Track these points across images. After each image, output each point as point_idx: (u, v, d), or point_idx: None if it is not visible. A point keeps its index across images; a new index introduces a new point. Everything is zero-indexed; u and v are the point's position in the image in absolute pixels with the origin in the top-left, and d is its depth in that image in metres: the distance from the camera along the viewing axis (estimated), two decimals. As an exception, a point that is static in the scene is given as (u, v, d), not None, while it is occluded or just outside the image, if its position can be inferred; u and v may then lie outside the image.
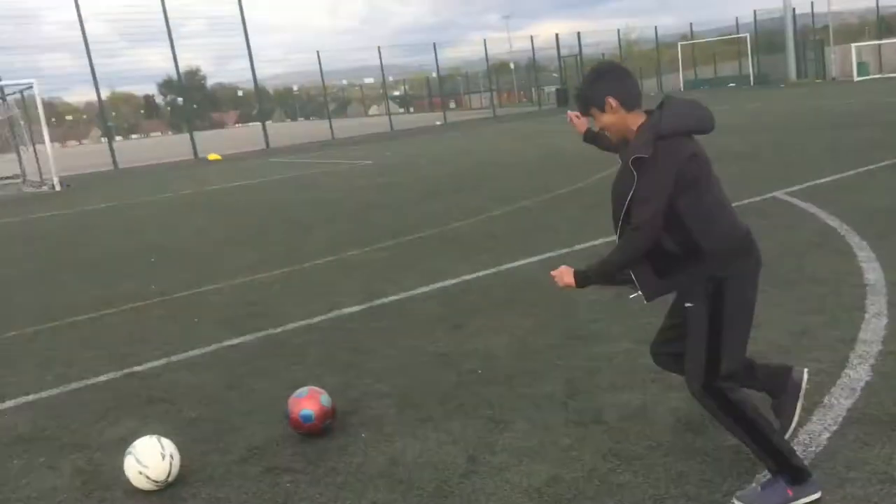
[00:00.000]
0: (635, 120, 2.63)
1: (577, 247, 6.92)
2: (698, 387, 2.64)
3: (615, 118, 2.64)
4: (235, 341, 5.21)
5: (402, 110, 73.77)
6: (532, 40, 40.52)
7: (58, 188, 19.50)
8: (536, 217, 8.68)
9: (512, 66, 48.25)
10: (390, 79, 42.08)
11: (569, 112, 3.18)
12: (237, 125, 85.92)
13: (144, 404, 4.23)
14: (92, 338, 5.68)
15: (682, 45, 44.73)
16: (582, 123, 3.20)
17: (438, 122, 35.81)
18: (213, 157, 26.62)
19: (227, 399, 4.18)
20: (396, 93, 68.90)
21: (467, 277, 6.28)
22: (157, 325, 5.87)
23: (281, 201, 12.71)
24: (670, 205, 2.52)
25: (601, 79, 2.66)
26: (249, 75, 31.86)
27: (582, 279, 2.75)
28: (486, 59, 39.42)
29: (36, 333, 5.95)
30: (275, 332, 5.36)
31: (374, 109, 77.43)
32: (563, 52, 42.67)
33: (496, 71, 57.96)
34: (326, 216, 10.48)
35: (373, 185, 13.72)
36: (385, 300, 5.87)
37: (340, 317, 5.55)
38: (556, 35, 41.29)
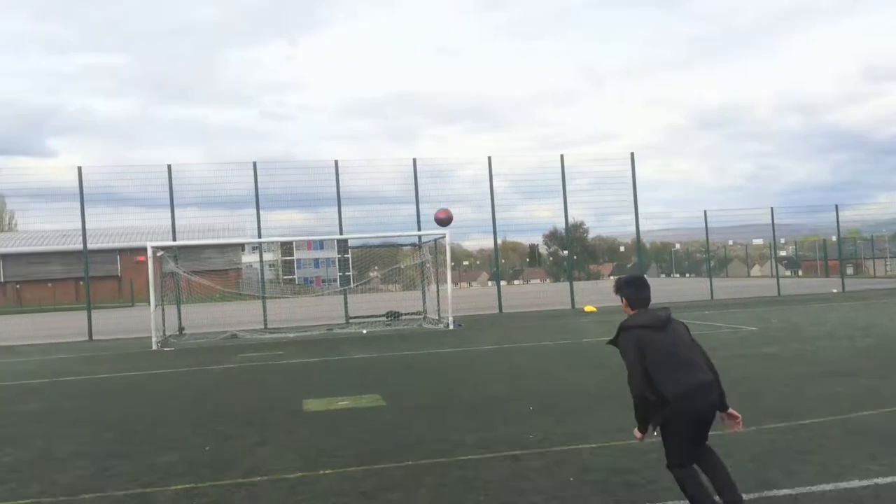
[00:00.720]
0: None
1: None
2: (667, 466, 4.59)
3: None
4: (611, 510, 5.07)
5: (788, 272, 69.07)
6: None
7: (451, 327, 21.67)
8: (971, 417, 7.23)
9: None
10: (781, 240, 39.80)
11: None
12: (611, 277, 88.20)
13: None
14: (475, 479, 6.00)
15: None
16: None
17: (835, 290, 32.59)
18: (588, 308, 27.43)
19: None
20: (783, 253, 64.94)
21: (879, 481, 5.39)
22: (535, 477, 5.99)
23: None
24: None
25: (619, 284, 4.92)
26: (628, 229, 32.72)
27: (640, 427, 4.72)
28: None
29: (429, 467, 6.47)
30: (642, 508, 5.12)
31: (756, 270, 73.65)
32: None
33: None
34: (706, 384, 9.96)
35: (757, 354, 12.80)
36: (777, 492, 5.29)
37: None
38: None
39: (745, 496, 5.24)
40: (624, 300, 4.74)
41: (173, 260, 23.79)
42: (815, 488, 5.32)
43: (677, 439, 4.45)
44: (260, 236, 26.90)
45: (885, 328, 15.92)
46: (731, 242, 50.20)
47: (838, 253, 38.52)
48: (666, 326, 4.50)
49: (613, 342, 4.62)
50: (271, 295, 33.36)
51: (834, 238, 36.00)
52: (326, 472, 6.47)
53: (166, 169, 26.50)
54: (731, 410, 4.72)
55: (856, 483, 5.38)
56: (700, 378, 4.40)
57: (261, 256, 33.58)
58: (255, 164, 27.19)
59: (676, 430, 4.43)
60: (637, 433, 4.71)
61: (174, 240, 26.11)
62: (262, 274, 31.31)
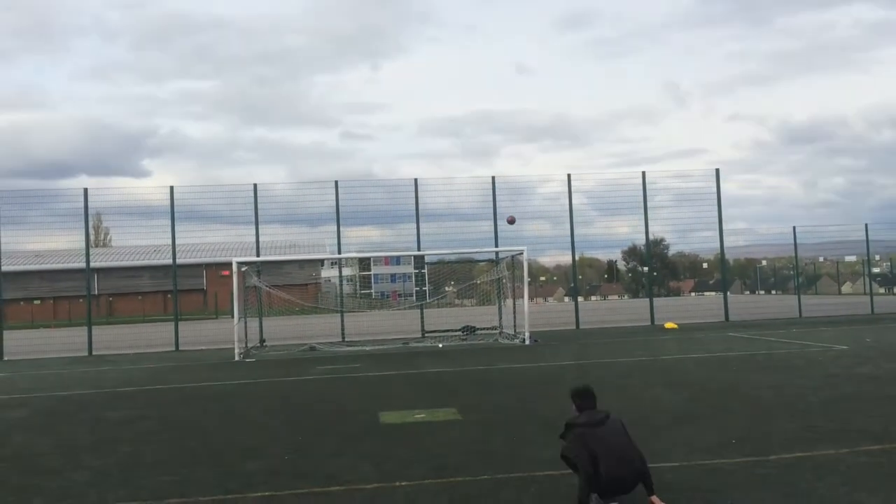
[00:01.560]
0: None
1: None
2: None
3: None
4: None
5: (882, 290, 65.78)
6: None
7: (527, 342, 21.50)
8: None
9: None
10: (876, 257, 38.01)
11: None
12: (692, 293, 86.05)
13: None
14: (550, 494, 5.90)
15: None
16: None
17: (933, 308, 30.85)
18: (669, 325, 26.78)
19: None
20: (877, 270, 62.00)
21: None
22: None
23: (741, 381, 12.03)
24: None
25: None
26: (710, 245, 31.85)
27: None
28: None
29: (505, 481, 6.41)
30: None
31: (847, 287, 70.49)
32: None
33: None
34: (793, 404, 9.57)
35: (850, 374, 12.21)
36: (871, 520, 5.01)
37: (815, 528, 4.88)
38: None
39: (837, 521, 5.00)
40: (574, 406, 5.86)
41: (256, 274, 24.45)
42: (914, 516, 5.02)
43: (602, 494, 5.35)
44: (339, 252, 27.35)
45: None
46: (821, 259, 48.21)
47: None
48: (604, 423, 5.54)
49: (563, 436, 5.67)
50: (349, 309, 33.89)
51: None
52: (402, 483, 6.49)
53: (252, 188, 27.32)
54: (653, 498, 5.41)
55: (960, 511, 5.05)
56: (630, 470, 5.37)
57: (340, 271, 34.20)
58: (336, 182, 27.73)
59: (602, 492, 5.33)
60: None
61: (258, 255, 26.82)
62: (341, 288, 31.75)
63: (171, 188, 27.00)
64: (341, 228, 27.45)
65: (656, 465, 6.62)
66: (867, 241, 31.33)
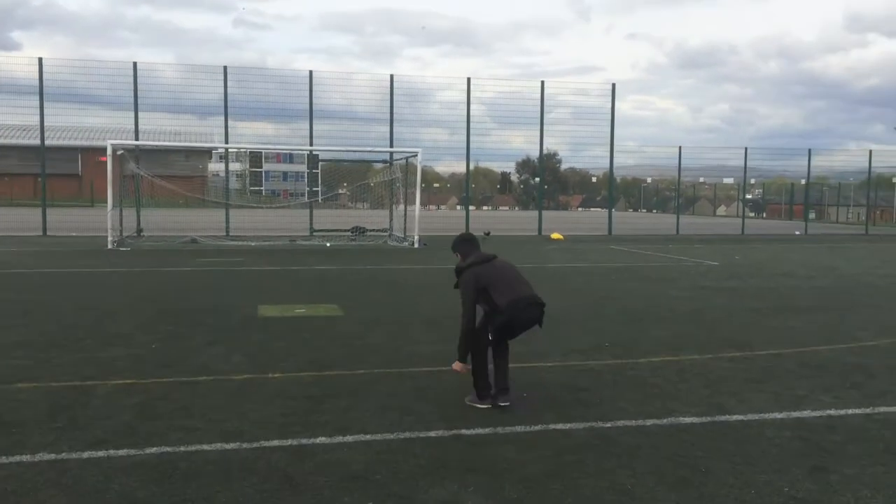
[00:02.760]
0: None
1: (984, 404, 5.59)
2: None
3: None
4: (561, 426, 4.99)
5: (752, 214, 69.82)
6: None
7: (416, 245, 21.48)
8: (923, 357, 7.26)
9: None
10: (752, 181, 39.97)
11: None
12: (580, 209, 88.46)
13: (467, 471, 4.16)
14: (427, 389, 5.87)
15: None
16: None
17: (798, 232, 32.98)
18: (555, 236, 27.41)
19: (549, 487, 3.94)
20: (749, 196, 65.47)
21: (832, 412, 5.38)
22: (488, 391, 5.88)
23: (619, 290, 12.42)
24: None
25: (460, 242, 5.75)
26: (600, 163, 32.57)
27: (460, 358, 5.39)
28: (869, 170, 35.51)
29: (382, 376, 6.34)
30: (604, 426, 5.04)
31: (722, 210, 74.38)
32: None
33: (875, 185, 52.22)
34: (665, 313, 9.96)
35: (719, 287, 12.84)
36: (729, 417, 5.24)
37: (677, 426, 5.06)
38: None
39: (697, 418, 5.21)
40: (460, 255, 5.65)
41: (134, 161, 23.05)
42: (766, 416, 5.29)
43: (496, 335, 5.38)
44: (226, 142, 26.12)
45: (843, 270, 16.09)
46: (701, 180, 50.31)
47: (805, 197, 38.86)
48: (492, 260, 5.52)
49: (457, 285, 5.50)
50: (237, 204, 32.77)
51: (802, 182, 36.24)
52: (276, 375, 6.30)
53: (132, 66, 25.43)
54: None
55: (808, 413, 5.36)
56: (528, 292, 5.39)
57: (226, 163, 32.84)
58: (225, 68, 26.22)
59: (499, 331, 5.35)
60: (456, 365, 5.42)
61: (136, 140, 25.23)
62: (227, 181, 30.54)
63: (40, 60, 24.81)
64: (232, 121, 26.28)
65: (534, 364, 6.73)
66: (745, 165, 32.81)
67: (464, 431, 4.88)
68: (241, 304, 10.11)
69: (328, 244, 22.01)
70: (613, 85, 29.85)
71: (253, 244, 21.33)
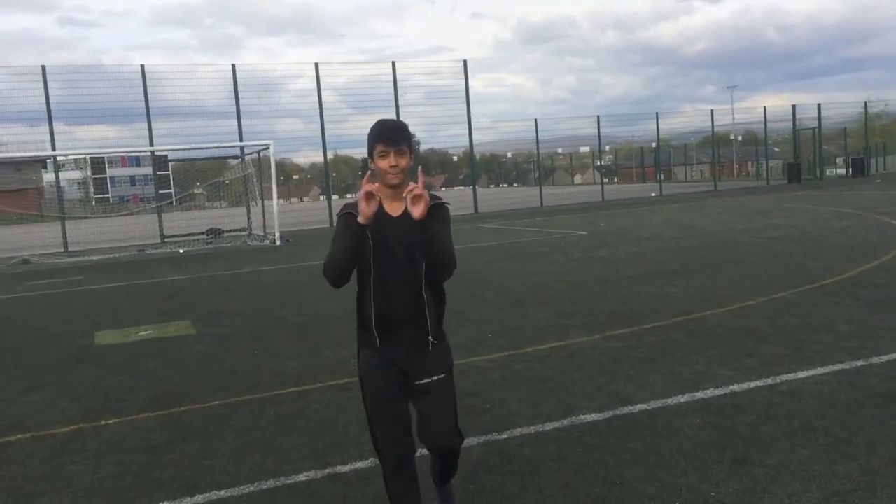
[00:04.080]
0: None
1: (875, 359, 5.42)
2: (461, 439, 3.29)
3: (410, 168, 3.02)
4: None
5: (606, 180, 72.43)
6: (765, 111, 37.70)
7: (279, 243, 20.30)
8: (802, 312, 7.16)
9: (734, 137, 45.46)
10: (606, 147, 41.09)
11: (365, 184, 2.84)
12: (443, 188, 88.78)
13: (346, 527, 3.41)
14: (293, 417, 5.05)
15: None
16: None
17: (653, 194, 34.14)
18: (422, 219, 26.88)
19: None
20: (599, 163, 67.82)
21: (735, 388, 5.01)
22: (358, 408, 5.13)
23: (493, 271, 11.96)
24: None
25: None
26: (459, 141, 32.39)
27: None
28: (713, 129, 37.21)
29: (240, 406, 5.44)
30: (499, 438, 4.42)
31: (577, 178, 76.71)
32: (784, 125, 39.60)
33: (709, 144, 55.19)
34: (543, 292, 9.54)
35: (590, 258, 12.65)
36: (632, 409, 4.76)
37: (579, 426, 4.51)
38: (794, 106, 38.35)
39: (599, 415, 4.69)
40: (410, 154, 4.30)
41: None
42: (670, 401, 4.85)
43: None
44: (54, 149, 23.71)
45: (705, 228, 16.45)
46: (559, 151, 51.39)
47: (656, 160, 40.38)
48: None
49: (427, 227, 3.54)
50: (78, 215, 30.09)
51: (653, 145, 37.57)
52: (110, 421, 5.28)
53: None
54: None
55: (711, 392, 4.96)
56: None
57: (56, 173, 30.05)
58: (43, 67, 23.73)
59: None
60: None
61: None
62: (59, 191, 27.86)
63: None
64: (67, 126, 23.95)
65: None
66: (599, 133, 33.56)
67: (339, 469, 4.12)
68: (75, 333, 8.82)
69: (181, 251, 20.41)
70: (465, 62, 29.58)
71: (95, 258, 19.43)
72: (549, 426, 4.55)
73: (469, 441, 4.33)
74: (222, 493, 3.92)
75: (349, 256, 2.90)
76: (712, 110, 36.41)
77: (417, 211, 2.75)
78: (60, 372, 6.90)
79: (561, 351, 6.39)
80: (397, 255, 2.96)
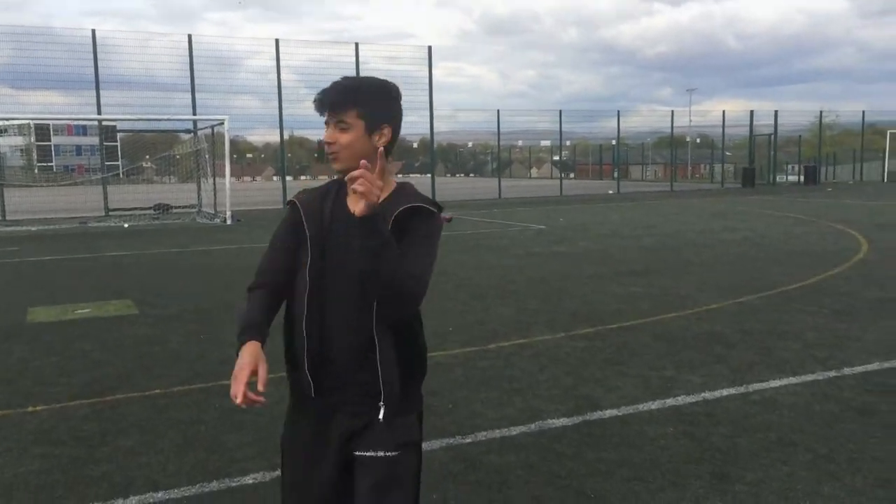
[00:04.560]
0: (390, 169, 2.14)
1: (847, 370, 5.30)
2: None
3: (370, 150, 2.03)
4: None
5: (560, 175, 72.83)
6: (724, 115, 38.06)
7: (229, 222, 19.70)
8: (768, 318, 7.04)
9: (692, 139, 46.01)
10: (567, 143, 41.12)
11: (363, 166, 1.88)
12: (399, 176, 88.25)
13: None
14: (241, 412, 4.69)
15: (892, 132, 40.91)
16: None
17: (611, 191, 34.27)
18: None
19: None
20: (555, 158, 68.14)
21: (707, 396, 4.82)
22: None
23: (452, 262, 11.67)
24: None
25: (396, 100, 2.12)
26: (417, 129, 32.04)
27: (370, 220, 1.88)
28: (672, 130, 37.51)
29: (182, 396, 5.06)
30: (463, 441, 4.14)
31: (535, 172, 76.95)
32: (739, 130, 40.20)
33: (664, 145, 55.74)
34: (504, 286, 9.30)
35: (550, 253, 12.46)
36: (602, 414, 4.53)
37: (546, 431, 4.26)
38: (752, 112, 38.84)
39: (568, 419, 4.45)
40: (386, 132, 2.25)
41: None
42: (641, 407, 4.63)
43: None
44: (-6, 112, 22.58)
45: (663, 227, 16.44)
46: (520, 143, 51.35)
47: (615, 157, 40.59)
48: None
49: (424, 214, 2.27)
50: (18, 182, 28.81)
51: (613, 142, 37.73)
52: (37, 408, 4.85)
53: None
54: None
55: (683, 399, 4.76)
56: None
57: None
58: (-17, 24, 22.51)
59: None
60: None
61: None
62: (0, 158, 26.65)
63: None
64: (13, 90, 22.88)
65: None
66: (560, 128, 33.52)
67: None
68: (6, 308, 8.27)
69: (126, 225, 19.66)
70: (430, 48, 29.16)
71: (34, 229, 18.56)
72: (515, 430, 4.29)
73: (432, 444, 4.05)
74: (159, 494, 3.56)
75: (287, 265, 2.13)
76: (672, 111, 36.74)
77: (357, 207, 1.84)
78: (-13, 350, 6.40)
79: (525, 349, 6.14)
80: (346, 271, 2.02)
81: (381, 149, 1.98)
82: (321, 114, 2.04)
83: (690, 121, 45.78)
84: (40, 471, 3.87)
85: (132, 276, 10.78)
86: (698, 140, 47.44)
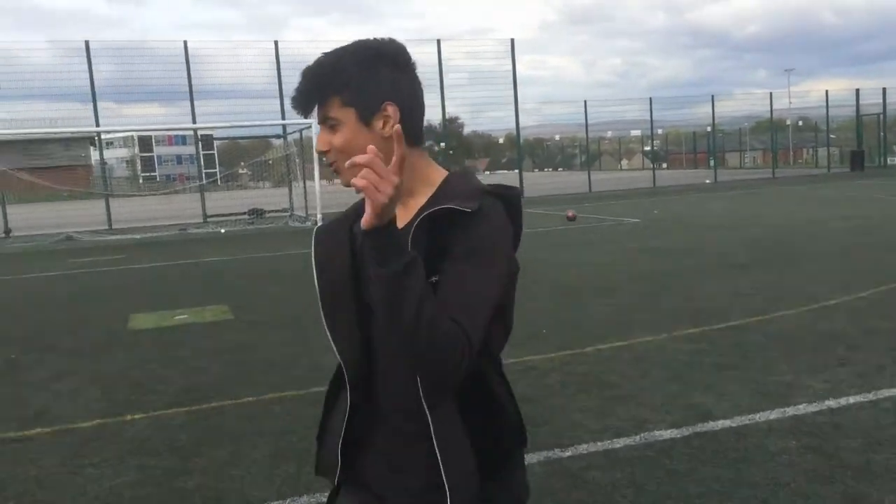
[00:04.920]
0: (422, 162, 1.50)
1: None
2: None
3: (378, 144, 1.32)
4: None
5: (653, 165, 70.90)
6: (827, 95, 36.06)
7: (319, 223, 19.93)
8: (894, 316, 6.45)
9: (793, 122, 43.84)
10: (659, 131, 39.93)
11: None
12: (486, 172, 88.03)
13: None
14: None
15: None
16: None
17: (708, 180, 33.01)
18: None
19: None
20: (646, 148, 66.42)
21: (831, 404, 4.39)
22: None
23: (544, 259, 11.35)
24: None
25: (396, 65, 1.46)
26: (502, 125, 31.75)
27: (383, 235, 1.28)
28: (771, 114, 35.80)
29: (275, 403, 5.00)
30: (563, 455, 3.89)
31: (625, 163, 75.25)
32: (844, 111, 37.95)
33: (762, 130, 53.30)
34: (599, 284, 8.94)
35: (646, 248, 11.96)
36: (714, 425, 4.17)
37: (653, 444, 3.95)
38: (857, 91, 36.64)
39: (677, 431, 4.12)
40: (391, 111, 1.49)
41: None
42: (758, 417, 4.25)
43: None
44: (97, 125, 23.70)
45: (768, 217, 15.60)
46: (609, 134, 50.23)
47: (711, 145, 39.09)
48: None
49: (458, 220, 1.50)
50: (119, 193, 30.22)
51: (708, 129, 36.35)
52: (136, 416, 4.88)
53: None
54: None
55: (804, 409, 4.35)
56: None
57: (100, 150, 30.20)
58: (87, 42, 23.64)
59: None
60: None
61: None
62: (103, 168, 27.99)
63: None
64: (116, 104, 24.00)
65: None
66: (651, 116, 32.50)
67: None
68: (110, 315, 8.51)
69: (223, 230, 20.22)
70: (512, 40, 28.77)
71: (138, 237, 19.32)
72: (619, 443, 4.00)
73: (528, 458, 3.80)
74: None
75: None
76: (771, 94, 35.06)
77: (365, 216, 1.27)
78: (91, 358, 6.56)
79: (625, 352, 5.81)
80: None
81: (397, 129, 1.29)
82: (304, 116, 1.53)
83: (790, 103, 43.54)
84: (135, 483, 3.85)
85: (228, 281, 10.98)
86: (800, 123, 45.09)
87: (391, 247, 1.28)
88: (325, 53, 1.47)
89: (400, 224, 1.34)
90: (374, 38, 1.48)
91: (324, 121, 1.47)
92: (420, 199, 1.46)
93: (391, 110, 1.43)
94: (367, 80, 1.43)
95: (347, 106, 1.44)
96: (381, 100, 1.43)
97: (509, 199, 1.46)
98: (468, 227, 1.37)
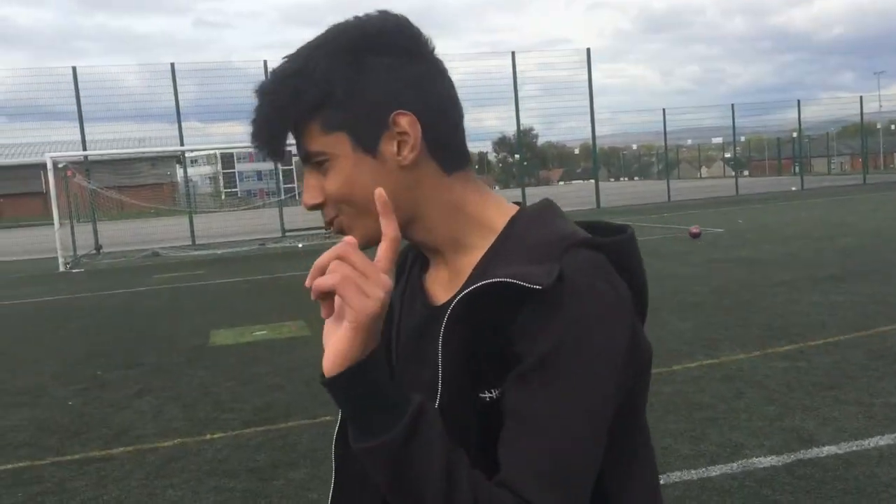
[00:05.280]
0: (470, 196, 0.98)
1: None
2: None
3: (392, 178, 0.92)
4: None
5: (735, 172, 68.84)
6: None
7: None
8: None
9: (884, 126, 41.85)
10: (741, 139, 38.74)
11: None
12: (561, 182, 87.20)
13: None
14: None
15: None
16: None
17: (794, 188, 31.77)
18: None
19: None
20: (727, 154, 64.55)
21: (951, 431, 4.02)
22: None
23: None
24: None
25: (398, 55, 0.94)
26: (577, 135, 31.41)
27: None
28: (861, 118, 34.20)
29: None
30: (662, 480, 3.64)
31: (705, 171, 73.34)
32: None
33: (850, 135, 51.23)
34: (683, 298, 8.59)
35: (732, 259, 11.49)
36: (818, 451, 3.87)
37: (752, 473, 3.68)
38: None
39: (777, 458, 3.84)
40: (404, 124, 0.93)
41: (84, 173, 21.45)
42: (867, 443, 3.93)
43: None
44: (182, 144, 24.50)
45: (860, 225, 14.82)
46: (689, 142, 49.04)
47: (797, 151, 37.67)
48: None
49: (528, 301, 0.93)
50: (207, 209, 31.16)
51: (794, 135, 35.04)
52: (215, 436, 4.88)
53: (71, 71, 23.69)
54: None
55: (920, 435, 4.00)
56: None
57: (185, 168, 31.22)
58: (172, 65, 24.54)
59: None
60: None
61: (84, 150, 23.57)
62: (188, 185, 28.90)
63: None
64: (201, 123, 24.79)
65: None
66: (733, 123, 31.55)
67: None
68: (192, 331, 8.65)
69: (300, 245, 20.51)
70: (588, 50, 28.47)
71: (219, 252, 19.79)
72: (714, 471, 3.75)
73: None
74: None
75: None
76: (861, 97, 33.54)
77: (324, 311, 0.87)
78: (173, 375, 6.64)
79: (715, 370, 5.51)
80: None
81: (379, 194, 0.86)
82: (276, 161, 1.11)
83: (881, 106, 41.66)
84: (214, 504, 3.82)
85: (306, 296, 11.01)
86: (893, 127, 43.03)
87: (378, 396, 0.82)
88: (287, 57, 0.95)
89: (439, 301, 0.95)
90: (355, 16, 0.96)
91: (305, 159, 0.96)
92: (472, 257, 0.96)
93: (405, 122, 0.92)
94: (356, 81, 0.92)
95: (334, 130, 0.92)
96: (386, 109, 0.92)
97: (617, 249, 0.93)
98: (540, 315, 0.84)
